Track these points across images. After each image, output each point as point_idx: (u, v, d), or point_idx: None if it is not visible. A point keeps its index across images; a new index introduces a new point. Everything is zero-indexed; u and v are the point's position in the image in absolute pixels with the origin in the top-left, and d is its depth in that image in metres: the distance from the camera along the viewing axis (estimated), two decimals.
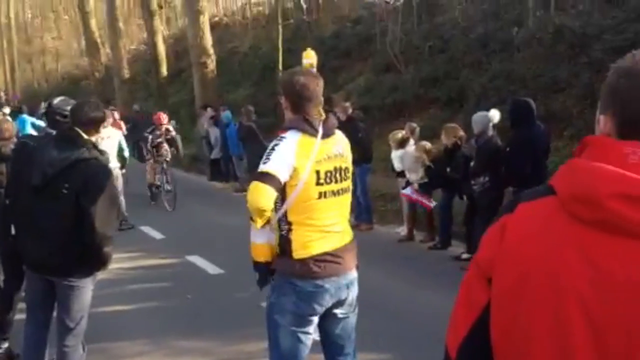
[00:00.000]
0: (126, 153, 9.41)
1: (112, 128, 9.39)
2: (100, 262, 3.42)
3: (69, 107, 3.71)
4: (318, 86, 2.88)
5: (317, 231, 2.80)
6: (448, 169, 7.06)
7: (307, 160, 2.73)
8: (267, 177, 2.67)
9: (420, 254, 7.49)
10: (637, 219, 1.05)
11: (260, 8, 24.37)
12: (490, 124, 6.53)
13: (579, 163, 1.16)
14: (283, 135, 2.79)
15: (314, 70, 3.60)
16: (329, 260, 2.80)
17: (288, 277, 2.82)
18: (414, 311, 5.52)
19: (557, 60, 10.94)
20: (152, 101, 22.43)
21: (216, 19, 24.17)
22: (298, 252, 2.78)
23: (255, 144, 11.49)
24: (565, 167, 1.18)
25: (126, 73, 24.18)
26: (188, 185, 13.94)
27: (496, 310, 1.16)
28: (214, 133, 13.72)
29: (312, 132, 2.79)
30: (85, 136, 3.38)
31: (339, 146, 2.92)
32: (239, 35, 22.58)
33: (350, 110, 8.98)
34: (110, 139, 9.05)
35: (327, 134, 2.85)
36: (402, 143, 7.93)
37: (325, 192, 2.79)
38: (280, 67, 14.58)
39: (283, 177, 2.70)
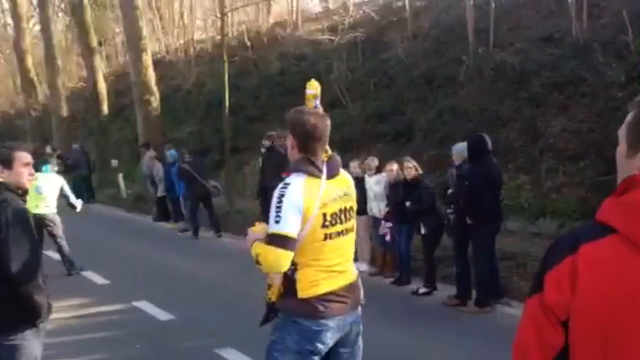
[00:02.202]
0: (72, 199, 8.98)
1: (53, 173, 9.06)
2: (34, 312, 3.13)
3: None
4: (327, 126, 2.89)
5: (322, 271, 2.81)
6: (408, 203, 7.04)
7: (314, 204, 2.73)
8: (283, 241, 2.67)
9: (381, 290, 7.39)
10: None
11: (204, 45, 24.26)
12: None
13: None
14: (287, 181, 2.77)
15: (319, 101, 3.60)
16: (334, 299, 2.82)
17: (293, 316, 2.82)
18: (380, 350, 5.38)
19: (500, 96, 11.27)
20: (93, 139, 21.84)
21: (158, 56, 23.88)
22: (304, 292, 2.78)
23: (193, 185, 11.37)
24: (620, 204, 1.21)
25: (65, 111, 23.47)
26: (131, 226, 13.51)
27: (581, 348, 1.19)
28: (157, 170, 13.41)
29: (317, 174, 2.79)
30: None
31: (344, 185, 2.94)
32: (182, 72, 22.36)
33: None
34: (51, 184, 8.68)
35: (331, 175, 2.85)
36: (377, 170, 7.97)
37: (331, 234, 2.80)
38: (227, 103, 14.43)
39: (297, 232, 2.69)
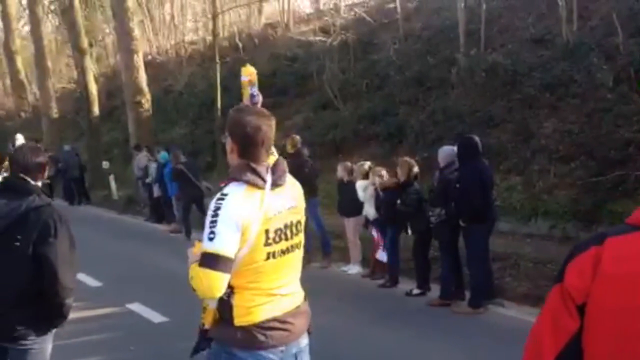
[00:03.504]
0: None
1: None
2: (62, 316, 3.19)
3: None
4: (271, 127, 2.52)
5: (262, 295, 2.44)
6: (398, 202, 7.05)
7: (255, 219, 2.36)
8: (217, 262, 2.30)
9: (372, 292, 7.41)
10: None
11: (195, 46, 24.22)
12: (457, 158, 6.62)
13: None
14: (225, 192, 2.40)
15: (256, 89, 3.21)
16: (277, 327, 2.45)
17: (227, 346, 2.45)
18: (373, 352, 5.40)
19: (491, 97, 11.34)
20: (83, 141, 21.74)
21: (150, 57, 23.81)
22: (240, 319, 2.41)
23: (187, 186, 11.35)
24: None
25: (55, 112, 23.36)
26: (123, 228, 13.45)
27: (596, 333, 1.23)
28: (152, 171, 13.38)
29: (259, 183, 2.42)
30: (32, 182, 3.18)
31: (291, 196, 2.57)
32: (174, 74, 22.31)
33: (299, 144, 8.94)
34: None
35: (277, 184, 2.48)
36: (367, 174, 7.91)
37: (274, 252, 2.43)
38: (219, 105, 14.43)
39: (234, 251, 2.33)
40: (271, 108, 12.55)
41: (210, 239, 2.32)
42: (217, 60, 15.37)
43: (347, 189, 8.26)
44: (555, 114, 10.22)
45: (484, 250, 6.35)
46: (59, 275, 3.04)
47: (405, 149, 11.65)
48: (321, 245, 8.82)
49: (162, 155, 12.89)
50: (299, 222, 2.58)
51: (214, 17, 16.73)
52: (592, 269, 1.25)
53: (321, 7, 21.78)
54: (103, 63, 29.05)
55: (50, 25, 29.65)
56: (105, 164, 17.66)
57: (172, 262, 8.86)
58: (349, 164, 8.62)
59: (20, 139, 14.93)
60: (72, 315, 6.77)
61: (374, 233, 7.60)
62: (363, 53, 15.88)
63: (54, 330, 3.29)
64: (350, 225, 8.31)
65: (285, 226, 2.48)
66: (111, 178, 17.38)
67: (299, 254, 2.59)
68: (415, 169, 7.18)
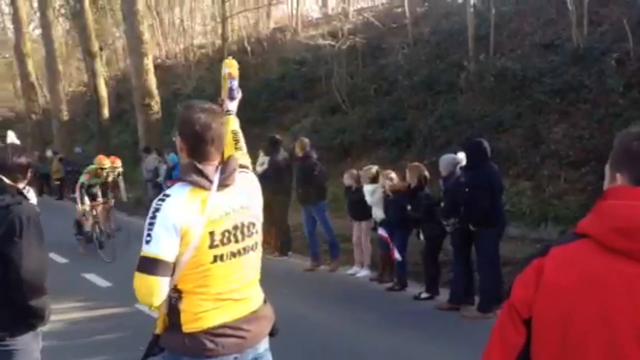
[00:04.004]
0: None
1: None
2: (36, 317, 3.07)
3: None
4: (221, 125, 2.44)
5: (211, 300, 2.33)
6: (409, 207, 7.05)
7: (196, 222, 2.26)
8: (153, 265, 2.21)
9: (380, 295, 7.40)
10: None
11: (204, 50, 24.33)
12: (458, 166, 6.61)
13: (615, 202, 1.28)
14: (167, 193, 2.33)
15: (236, 83, 2.99)
16: (228, 334, 2.33)
17: (176, 354, 2.36)
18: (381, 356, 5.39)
19: (500, 102, 11.31)
20: (93, 143, 21.87)
21: (159, 60, 23.94)
22: (188, 326, 2.31)
23: None
24: (596, 210, 1.31)
25: (65, 115, 23.52)
26: (133, 229, 13.49)
27: (541, 343, 1.24)
28: (162, 172, 13.47)
29: (204, 184, 2.31)
30: (7, 181, 3.08)
31: (242, 197, 2.43)
32: (182, 77, 22.41)
33: (308, 147, 8.94)
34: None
35: (223, 184, 2.35)
36: (375, 178, 7.91)
37: (221, 255, 2.32)
38: None
39: (172, 255, 2.24)
40: (279, 112, 12.67)
41: (147, 242, 2.24)
42: None
43: (355, 195, 8.29)
44: (565, 119, 10.20)
45: (494, 255, 6.32)
46: (21, 275, 2.93)
47: (414, 153, 11.65)
48: (329, 248, 8.83)
49: (171, 157, 12.95)
50: (251, 223, 2.45)
51: (223, 21, 16.82)
52: (535, 280, 1.27)
53: (330, 11, 21.84)
54: (113, 67, 29.25)
55: (60, 28, 29.86)
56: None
57: None
58: (354, 171, 8.63)
59: (11, 137, 14.93)
60: (82, 314, 6.88)
61: (383, 233, 7.60)
62: (371, 57, 15.89)
63: (39, 331, 3.17)
64: (362, 228, 8.31)
65: (235, 227, 2.37)
66: (120, 180, 17.45)
67: (253, 256, 2.47)
68: (426, 174, 7.17)
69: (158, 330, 2.41)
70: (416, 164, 7.50)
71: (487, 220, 6.07)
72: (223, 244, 2.33)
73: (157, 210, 2.26)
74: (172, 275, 2.29)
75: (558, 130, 10.09)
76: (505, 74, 11.45)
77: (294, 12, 21.91)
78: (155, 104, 17.69)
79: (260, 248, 2.53)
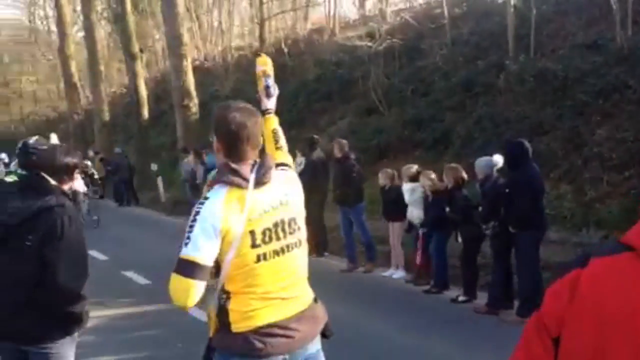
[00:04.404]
0: None
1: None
2: (75, 322, 3.07)
3: (44, 147, 3.30)
4: (257, 124, 2.42)
5: (259, 299, 2.33)
6: (447, 209, 6.99)
7: (237, 222, 2.27)
8: (190, 268, 2.22)
9: (416, 297, 7.35)
10: None
11: (242, 52, 24.55)
12: (495, 169, 6.52)
13: None
14: (207, 195, 2.35)
15: (271, 80, 2.99)
16: (277, 333, 2.33)
17: (227, 354, 2.36)
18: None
19: (541, 103, 11.11)
20: (132, 144, 22.29)
21: (197, 62, 24.27)
22: (237, 325, 2.32)
23: None
24: None
25: (106, 115, 24.06)
26: (171, 229, 13.70)
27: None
28: (200, 174, 13.60)
29: (241, 184, 2.32)
30: (52, 182, 3.04)
31: (281, 193, 2.41)
32: (220, 79, 22.66)
33: (347, 148, 8.93)
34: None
35: (261, 182, 2.35)
36: (415, 177, 7.86)
37: (264, 254, 2.32)
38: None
39: (211, 258, 2.26)
40: (316, 113, 12.70)
41: (185, 245, 2.25)
42: None
43: (389, 194, 8.24)
44: (608, 121, 9.95)
45: (534, 258, 6.21)
46: (58, 279, 2.89)
47: (451, 155, 11.52)
48: (365, 250, 8.80)
49: (209, 157, 13.08)
50: (292, 219, 2.43)
51: (261, 23, 16.93)
52: (569, 292, 1.11)
53: (367, 12, 21.80)
54: (152, 68, 29.78)
55: (103, 31, 30.54)
56: (154, 167, 18.07)
57: None
58: (389, 170, 8.58)
59: (53, 139, 15.31)
60: (121, 311, 7.01)
61: (420, 232, 7.56)
62: (409, 58, 15.79)
63: (75, 336, 3.15)
64: (395, 229, 8.27)
65: (275, 225, 2.36)
66: (159, 180, 17.77)
67: (298, 253, 2.45)
68: (463, 175, 7.09)
69: (210, 333, 2.42)
70: (453, 165, 7.43)
71: (528, 222, 5.97)
72: (265, 242, 2.33)
73: (197, 213, 2.28)
74: (217, 276, 2.32)
75: (601, 132, 9.85)
76: (545, 74, 11.23)
77: (331, 13, 21.95)
78: (194, 105, 17.93)
79: (305, 245, 2.51)
